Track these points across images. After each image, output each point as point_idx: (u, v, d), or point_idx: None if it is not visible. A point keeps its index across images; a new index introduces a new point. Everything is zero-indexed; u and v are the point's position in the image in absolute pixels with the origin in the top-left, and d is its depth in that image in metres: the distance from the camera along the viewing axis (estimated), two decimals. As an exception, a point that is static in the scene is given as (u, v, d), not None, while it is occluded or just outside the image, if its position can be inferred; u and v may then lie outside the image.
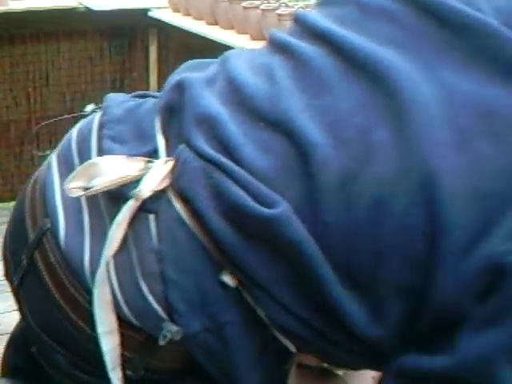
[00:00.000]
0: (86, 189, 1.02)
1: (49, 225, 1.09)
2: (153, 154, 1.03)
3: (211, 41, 3.31)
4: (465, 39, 0.85)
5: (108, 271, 1.01)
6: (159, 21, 3.82)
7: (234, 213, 0.94)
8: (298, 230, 0.89)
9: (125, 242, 1.00)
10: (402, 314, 0.89)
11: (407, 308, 0.88)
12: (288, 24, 1.61)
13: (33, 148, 4.06)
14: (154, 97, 1.14)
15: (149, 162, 1.02)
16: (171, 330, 0.97)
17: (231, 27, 3.36)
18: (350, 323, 0.91)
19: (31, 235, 1.11)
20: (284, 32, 1.06)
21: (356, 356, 0.98)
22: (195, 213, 0.96)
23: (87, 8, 3.77)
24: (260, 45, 1.57)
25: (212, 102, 1.00)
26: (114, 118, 1.09)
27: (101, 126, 1.09)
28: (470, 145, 0.83)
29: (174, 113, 1.04)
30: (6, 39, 3.82)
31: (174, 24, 3.70)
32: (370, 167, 0.86)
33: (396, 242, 0.85)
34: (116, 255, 1.00)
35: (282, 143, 0.92)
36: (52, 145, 4.15)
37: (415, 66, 0.87)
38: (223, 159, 0.95)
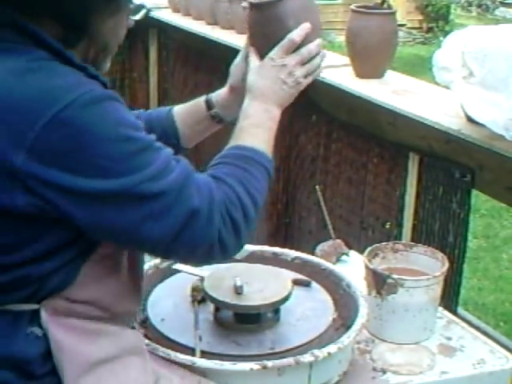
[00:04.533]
0: None
1: None
2: None
3: (211, 41, 3.31)
4: None
5: None
6: (159, 21, 3.82)
7: None
8: None
9: None
10: None
11: None
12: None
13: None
14: None
15: None
16: None
17: (231, 27, 3.36)
18: None
19: None
20: None
21: None
22: None
23: (87, 8, 3.77)
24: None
25: None
26: None
27: None
28: None
29: None
30: (6, 39, 3.82)
31: (174, 24, 3.70)
32: None
33: None
34: None
35: None
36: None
37: None
38: None
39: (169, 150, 1.17)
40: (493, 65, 1.75)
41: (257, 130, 1.31)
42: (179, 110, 1.56)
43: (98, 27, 1.16)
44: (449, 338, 1.71)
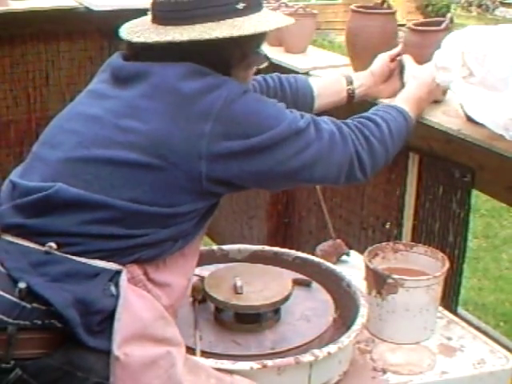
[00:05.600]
0: None
1: None
2: None
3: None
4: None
5: None
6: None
7: None
8: None
9: None
10: None
11: None
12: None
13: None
14: None
15: None
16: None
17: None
18: None
19: None
20: None
21: None
22: None
23: (87, 8, 3.76)
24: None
25: None
26: None
27: None
28: None
29: None
30: (6, 39, 3.82)
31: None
32: None
33: None
34: None
35: None
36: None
37: None
38: None
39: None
40: (493, 65, 1.75)
41: (408, 100, 1.75)
42: (318, 83, 1.95)
43: (235, 76, 1.51)
44: (449, 338, 1.71)
